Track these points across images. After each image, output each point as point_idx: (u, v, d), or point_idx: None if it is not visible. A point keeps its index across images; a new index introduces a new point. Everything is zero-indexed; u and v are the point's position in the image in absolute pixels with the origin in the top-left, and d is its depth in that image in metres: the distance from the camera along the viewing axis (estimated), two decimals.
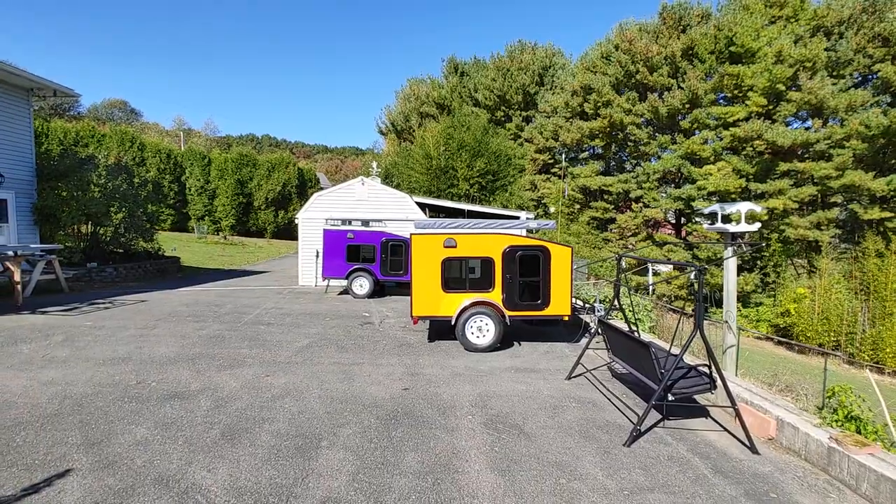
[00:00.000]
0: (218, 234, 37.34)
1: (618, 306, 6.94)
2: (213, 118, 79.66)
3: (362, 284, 14.03)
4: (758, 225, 6.22)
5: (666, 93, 24.97)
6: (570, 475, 4.19)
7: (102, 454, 4.25)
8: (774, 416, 5.05)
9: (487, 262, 8.42)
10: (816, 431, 4.59)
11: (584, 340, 9.38)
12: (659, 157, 26.81)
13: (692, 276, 5.19)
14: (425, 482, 3.99)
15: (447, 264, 8.43)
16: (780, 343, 20.11)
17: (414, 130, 35.80)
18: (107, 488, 3.71)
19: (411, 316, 8.45)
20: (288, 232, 42.02)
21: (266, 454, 4.36)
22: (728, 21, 23.66)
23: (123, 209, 17.71)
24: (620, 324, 8.13)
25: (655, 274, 23.40)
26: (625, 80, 26.97)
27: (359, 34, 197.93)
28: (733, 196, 22.43)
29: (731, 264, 6.35)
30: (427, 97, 37.42)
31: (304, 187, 44.08)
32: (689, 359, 6.59)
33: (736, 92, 23.39)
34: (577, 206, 29.26)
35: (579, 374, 7.08)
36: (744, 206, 6.12)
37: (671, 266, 24.47)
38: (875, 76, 21.58)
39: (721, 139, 23.57)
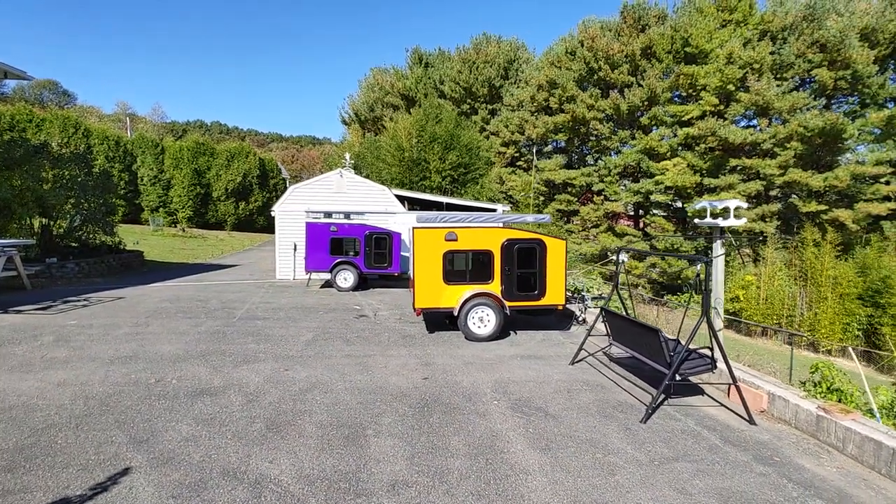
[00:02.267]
0: (175, 227, 35.69)
1: (618, 296, 7.48)
2: (161, 103, 74.91)
3: (347, 277, 14.05)
4: (744, 220, 6.89)
5: (626, 90, 26.06)
6: (604, 450, 4.62)
7: (155, 451, 4.28)
8: (766, 390, 5.70)
9: (487, 255, 8.76)
10: (805, 402, 5.25)
11: (574, 328, 9.94)
12: (619, 152, 28.01)
13: (697, 268, 5.73)
14: (478, 462, 4.30)
15: (448, 257, 8.70)
16: (727, 326, 21.76)
17: (379, 121, 35.48)
18: (177, 483, 3.78)
19: (413, 308, 8.67)
20: (249, 224, 40.71)
21: (318, 444, 4.52)
22: (683, 23, 24.96)
23: (82, 201, 16.76)
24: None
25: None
26: (588, 77, 27.88)
27: (316, 20, 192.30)
28: (689, 191, 23.86)
29: (719, 256, 6.99)
30: (392, 87, 37.13)
31: (266, 178, 42.80)
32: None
33: (690, 91, 24.80)
34: (542, 199, 30.13)
35: (580, 360, 7.58)
36: (732, 203, 6.76)
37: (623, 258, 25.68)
38: (813, 80, 23.48)
39: (676, 136, 24.98)
